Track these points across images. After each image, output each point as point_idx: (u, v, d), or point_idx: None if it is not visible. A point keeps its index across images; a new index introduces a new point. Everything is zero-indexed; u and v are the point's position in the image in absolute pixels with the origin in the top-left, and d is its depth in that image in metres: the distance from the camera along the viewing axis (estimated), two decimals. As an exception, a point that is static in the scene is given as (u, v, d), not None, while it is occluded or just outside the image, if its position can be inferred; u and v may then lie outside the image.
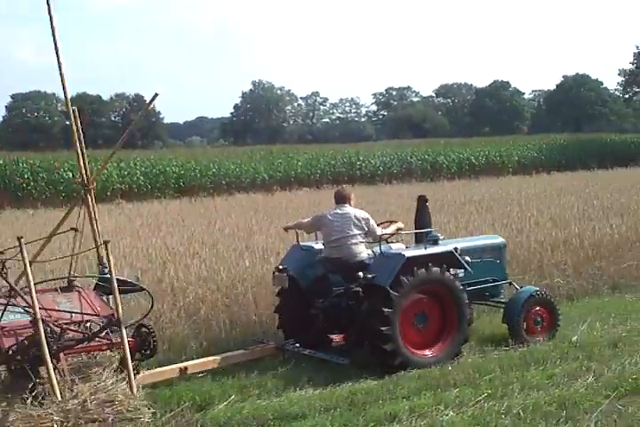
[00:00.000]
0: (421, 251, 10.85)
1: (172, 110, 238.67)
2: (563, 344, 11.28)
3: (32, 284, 8.05)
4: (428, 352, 10.77)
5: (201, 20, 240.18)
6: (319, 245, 11.72)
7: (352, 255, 11.04)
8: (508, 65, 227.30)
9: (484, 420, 8.08)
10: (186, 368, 10.14)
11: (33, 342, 7.83)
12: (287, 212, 24.82)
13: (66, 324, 8.40)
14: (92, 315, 8.95)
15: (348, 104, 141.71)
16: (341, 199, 11.52)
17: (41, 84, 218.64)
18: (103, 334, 8.54)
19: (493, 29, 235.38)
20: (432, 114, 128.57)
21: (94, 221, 10.07)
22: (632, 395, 8.86)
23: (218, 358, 10.53)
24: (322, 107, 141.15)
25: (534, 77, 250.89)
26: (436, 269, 10.63)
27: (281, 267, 11.44)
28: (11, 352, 7.91)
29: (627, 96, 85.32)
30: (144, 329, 9.57)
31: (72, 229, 9.95)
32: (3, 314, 8.18)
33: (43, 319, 7.92)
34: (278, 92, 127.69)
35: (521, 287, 12.52)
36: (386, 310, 10.23)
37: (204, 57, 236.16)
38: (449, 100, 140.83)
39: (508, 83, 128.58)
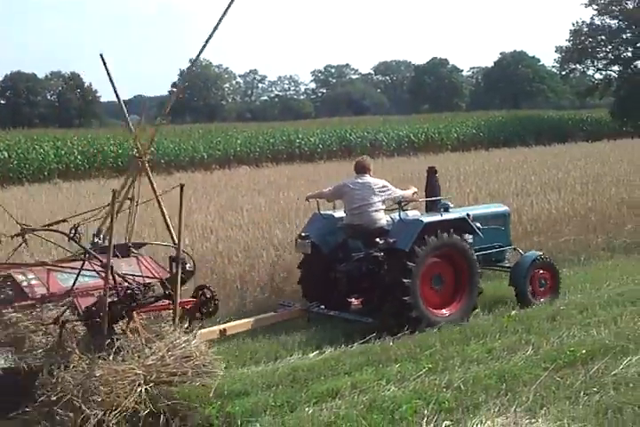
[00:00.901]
0: (437, 217, 11.67)
1: (110, 89, 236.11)
2: (502, 318, 11.37)
3: (112, 245, 8.71)
4: (445, 311, 11.60)
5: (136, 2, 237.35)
6: (339, 214, 12.53)
7: (372, 222, 11.86)
8: (446, 42, 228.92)
9: (426, 394, 8.09)
10: (225, 330, 10.67)
11: (104, 302, 8.32)
12: (226, 190, 24.73)
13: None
14: (153, 278, 9.51)
15: (286, 82, 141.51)
16: (362, 169, 12.32)
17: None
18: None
19: (431, 6, 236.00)
20: (371, 91, 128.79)
21: (154, 188, 10.61)
22: (570, 367, 8.97)
23: (252, 319, 11.02)
24: (260, 85, 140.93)
25: (472, 55, 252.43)
26: (450, 234, 11.46)
27: (303, 234, 12.23)
28: (89, 312, 8.38)
29: (563, 73, 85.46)
30: (205, 290, 10.35)
31: (128, 198, 10.49)
32: (77, 277, 8.67)
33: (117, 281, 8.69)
34: (216, 69, 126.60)
35: (525, 253, 13.29)
36: (406, 273, 10.95)
37: (141, 34, 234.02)
38: (388, 78, 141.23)
39: (446, 60, 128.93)
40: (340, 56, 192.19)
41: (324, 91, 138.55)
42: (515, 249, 13.71)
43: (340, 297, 12.15)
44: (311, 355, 10.07)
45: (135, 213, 10.48)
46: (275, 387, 8.70)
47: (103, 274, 8.62)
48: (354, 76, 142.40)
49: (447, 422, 7.29)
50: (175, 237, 9.98)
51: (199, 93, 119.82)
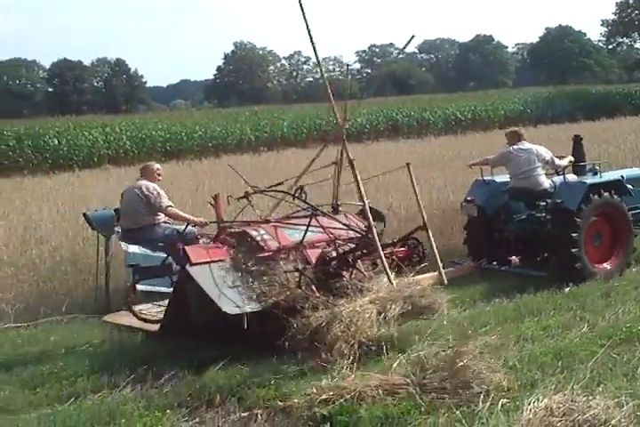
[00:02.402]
0: (597, 179, 12.94)
1: (155, 74, 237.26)
2: (556, 296, 11.34)
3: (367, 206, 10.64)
4: (605, 265, 12.74)
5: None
6: (499, 178, 13.73)
7: (537, 184, 13.05)
8: (490, 19, 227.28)
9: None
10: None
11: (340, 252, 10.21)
12: (275, 172, 24.75)
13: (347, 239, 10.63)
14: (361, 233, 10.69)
15: (331, 62, 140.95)
16: (518, 137, 13.57)
17: (19, 51, 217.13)
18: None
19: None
20: (416, 70, 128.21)
21: (348, 155, 11.40)
22: (626, 343, 8.96)
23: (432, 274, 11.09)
24: (305, 66, 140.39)
25: (517, 31, 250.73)
26: (611, 194, 12.60)
27: (469, 198, 13.44)
28: (323, 260, 10.06)
29: (610, 47, 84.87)
30: (413, 241, 11.61)
31: (333, 163, 11.95)
32: (306, 233, 10.18)
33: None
34: (260, 52, 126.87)
35: None
36: (574, 228, 12.12)
37: (185, 19, 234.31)
38: (432, 56, 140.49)
39: (490, 37, 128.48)
40: (384, 36, 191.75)
41: (369, 71, 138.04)
42: None
43: (505, 254, 13.10)
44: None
45: (339, 176, 11.91)
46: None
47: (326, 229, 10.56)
48: (398, 56, 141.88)
49: (504, 400, 7.29)
50: (363, 197, 10.80)
51: (244, 77, 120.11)
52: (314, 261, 10.09)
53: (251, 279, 9.66)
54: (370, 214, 10.52)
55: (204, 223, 11.91)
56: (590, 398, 6.93)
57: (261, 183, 12.76)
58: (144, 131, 45.75)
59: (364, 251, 10.28)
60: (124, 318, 11.24)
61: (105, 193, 21.08)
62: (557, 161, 13.35)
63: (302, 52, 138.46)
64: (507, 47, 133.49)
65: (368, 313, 9.06)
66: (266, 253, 10.05)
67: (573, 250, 12.09)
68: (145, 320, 10.83)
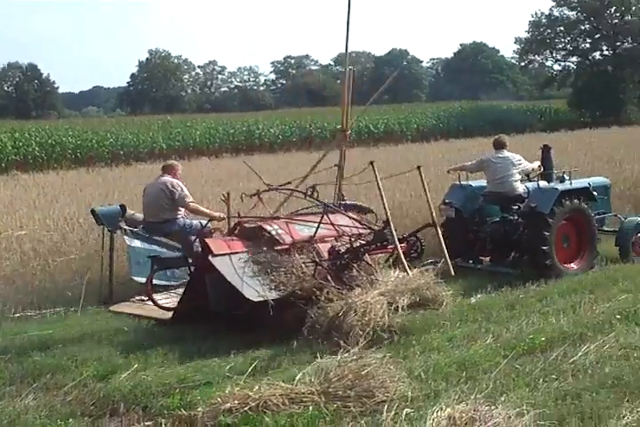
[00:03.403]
0: (568, 186, 13.92)
1: (67, 80, 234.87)
2: (463, 307, 11.44)
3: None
4: (573, 265, 13.86)
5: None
6: (476, 183, 14.78)
7: (513, 189, 14.08)
8: (406, 33, 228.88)
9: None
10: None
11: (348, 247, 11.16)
12: (186, 181, 24.57)
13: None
14: (367, 229, 11.86)
15: (246, 73, 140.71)
16: (500, 146, 14.56)
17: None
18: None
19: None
20: (331, 82, 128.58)
21: (344, 158, 13.19)
22: (529, 354, 9.10)
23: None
24: (220, 76, 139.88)
25: (432, 46, 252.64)
26: (580, 200, 13.75)
27: (447, 201, 14.34)
28: (336, 254, 10.97)
29: (522, 64, 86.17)
30: (411, 238, 13.07)
31: (335, 165, 13.09)
32: (317, 230, 11.19)
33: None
34: (175, 60, 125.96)
35: (625, 218, 15.30)
36: (546, 228, 13.20)
37: (99, 25, 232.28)
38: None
39: (406, 51, 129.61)
40: (300, 47, 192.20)
41: (284, 82, 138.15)
42: (615, 215, 15.69)
43: (478, 254, 14.25)
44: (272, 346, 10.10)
45: (341, 177, 13.07)
46: (235, 377, 8.70)
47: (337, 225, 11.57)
48: (314, 67, 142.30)
49: (408, 410, 7.32)
50: (382, 196, 12.01)
51: (158, 85, 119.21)
52: (325, 255, 10.99)
53: (269, 270, 10.51)
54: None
55: (222, 218, 12.86)
56: (493, 407, 7.04)
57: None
58: (54, 137, 45.36)
59: (379, 244, 11.31)
60: (131, 308, 12.25)
61: (11, 200, 20.72)
62: (529, 165, 14.46)
63: (217, 62, 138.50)
64: (422, 62, 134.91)
65: (379, 304, 9.92)
66: (281, 247, 10.92)
67: (544, 247, 13.16)
68: (164, 308, 11.74)
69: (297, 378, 8.00)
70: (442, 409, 6.94)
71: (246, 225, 11.55)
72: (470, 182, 14.88)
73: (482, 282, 13.01)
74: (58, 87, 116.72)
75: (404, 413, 7.24)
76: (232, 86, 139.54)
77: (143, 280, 12.44)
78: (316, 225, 11.28)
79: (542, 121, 68.03)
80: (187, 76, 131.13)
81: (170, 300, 12.34)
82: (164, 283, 13.07)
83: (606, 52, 77.99)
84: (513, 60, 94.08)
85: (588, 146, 32.75)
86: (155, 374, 8.95)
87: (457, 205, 14.30)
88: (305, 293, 10.25)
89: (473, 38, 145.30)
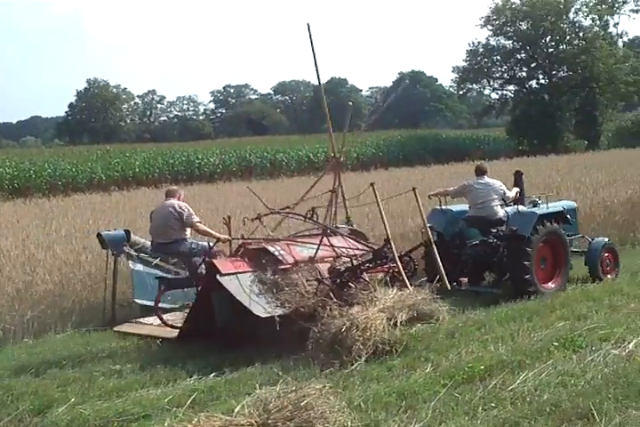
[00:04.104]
0: (544, 210, 14.61)
1: (5, 110, 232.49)
2: (402, 337, 11.41)
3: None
4: (551, 284, 14.48)
5: (33, 15, 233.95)
6: (455, 208, 15.49)
7: (494, 214, 14.74)
8: (344, 62, 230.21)
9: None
10: None
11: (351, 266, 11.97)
12: (125, 211, 24.46)
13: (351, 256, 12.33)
14: (365, 250, 12.67)
15: (185, 102, 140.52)
16: (481, 172, 15.26)
17: None
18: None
19: (329, 27, 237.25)
20: (271, 111, 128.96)
21: (341, 185, 14.08)
22: (468, 383, 9.09)
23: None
24: (159, 105, 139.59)
25: (371, 75, 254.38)
26: (557, 223, 14.54)
27: (429, 225, 14.19)
28: (335, 273, 11.82)
29: (461, 93, 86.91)
30: (406, 258, 13.71)
31: (330, 191, 13.78)
32: (317, 251, 12.01)
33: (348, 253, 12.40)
34: (114, 90, 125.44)
35: (592, 239, 15.91)
36: (526, 256, 13.86)
37: (37, 54, 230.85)
38: (287, 98, 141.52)
39: (345, 80, 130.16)
40: (239, 76, 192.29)
41: (224, 111, 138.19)
42: (583, 237, 16.31)
43: (458, 275, 14.36)
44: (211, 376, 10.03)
45: (336, 202, 13.76)
46: (174, 409, 8.62)
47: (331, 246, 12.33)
48: (253, 96, 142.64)
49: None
50: (383, 218, 12.90)
51: (97, 114, 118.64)
52: (326, 274, 11.76)
53: (273, 288, 11.26)
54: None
55: (227, 239, 13.26)
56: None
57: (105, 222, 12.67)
58: (-11, 167, 44.75)
59: (378, 263, 12.17)
60: (134, 328, 12.89)
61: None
62: (508, 193, 15.12)
63: (157, 91, 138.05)
64: (361, 90, 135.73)
65: (379, 320, 10.46)
66: (285, 266, 11.71)
67: (526, 268, 13.84)
68: (172, 327, 12.40)
69: (236, 410, 7.93)
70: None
71: (249, 246, 12.22)
72: (450, 207, 15.58)
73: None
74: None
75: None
76: (171, 116, 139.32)
77: (145, 303, 13.47)
78: (315, 246, 12.09)
79: (481, 149, 68.67)
80: (126, 106, 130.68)
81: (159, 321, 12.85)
82: (161, 305, 13.38)
83: (542, 81, 78.82)
84: (451, 89, 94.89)
85: (526, 173, 33.03)
86: (92, 407, 8.85)
87: (439, 229, 14.87)
88: (308, 309, 10.94)
89: (411, 67, 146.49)
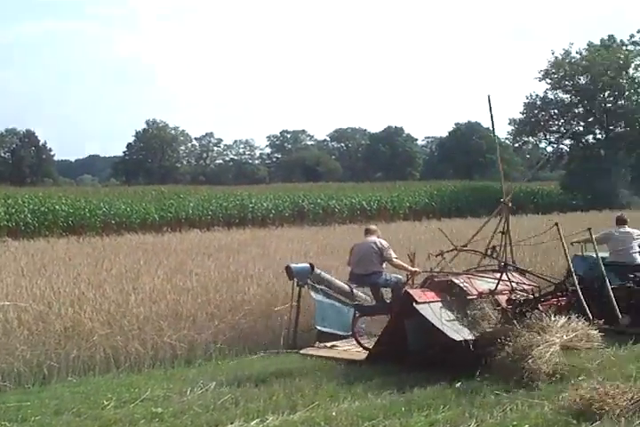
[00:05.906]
0: None
1: (64, 148, 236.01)
2: (447, 390, 11.29)
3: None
4: None
5: (94, 56, 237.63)
6: (593, 254, 15.88)
7: (633, 260, 16.69)
8: (401, 111, 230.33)
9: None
10: None
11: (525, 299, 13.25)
12: (177, 252, 24.57)
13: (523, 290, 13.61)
14: (534, 285, 13.97)
15: (242, 146, 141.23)
16: (622, 222, 17.36)
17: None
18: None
19: (388, 76, 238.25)
20: (326, 158, 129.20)
21: (508, 227, 14.69)
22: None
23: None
24: (216, 148, 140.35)
25: (427, 124, 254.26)
26: None
27: (572, 270, 14.64)
28: (516, 304, 13.09)
29: (516, 145, 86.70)
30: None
31: (500, 232, 14.49)
32: (497, 284, 13.31)
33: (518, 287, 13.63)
34: (172, 132, 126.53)
35: None
36: None
37: (98, 95, 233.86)
38: (343, 145, 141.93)
39: (401, 129, 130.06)
40: (297, 122, 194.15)
41: (279, 156, 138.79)
42: None
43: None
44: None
45: (508, 242, 14.45)
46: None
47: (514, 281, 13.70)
48: (309, 142, 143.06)
49: None
50: (566, 256, 14.52)
51: (154, 155, 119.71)
52: (504, 304, 13.06)
53: (461, 316, 12.66)
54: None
55: (419, 273, 14.96)
56: None
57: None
58: (47, 204, 45.23)
59: (559, 294, 13.74)
60: (321, 351, 14.58)
61: (2, 266, 20.62)
62: None
63: (214, 134, 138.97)
64: (416, 140, 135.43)
65: (555, 346, 11.69)
66: (471, 297, 13.05)
67: None
68: (365, 348, 14.10)
69: None
70: None
71: (436, 279, 13.67)
72: (591, 253, 16.17)
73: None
74: (54, 155, 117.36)
75: None
76: (227, 159, 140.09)
77: (325, 329, 15.00)
78: (493, 280, 13.46)
79: (535, 202, 68.26)
80: (183, 148, 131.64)
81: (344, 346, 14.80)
82: (333, 331, 15.14)
83: (599, 136, 78.50)
84: (507, 141, 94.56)
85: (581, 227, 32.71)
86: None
87: (580, 273, 15.35)
88: (492, 336, 12.03)
89: (468, 118, 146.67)
